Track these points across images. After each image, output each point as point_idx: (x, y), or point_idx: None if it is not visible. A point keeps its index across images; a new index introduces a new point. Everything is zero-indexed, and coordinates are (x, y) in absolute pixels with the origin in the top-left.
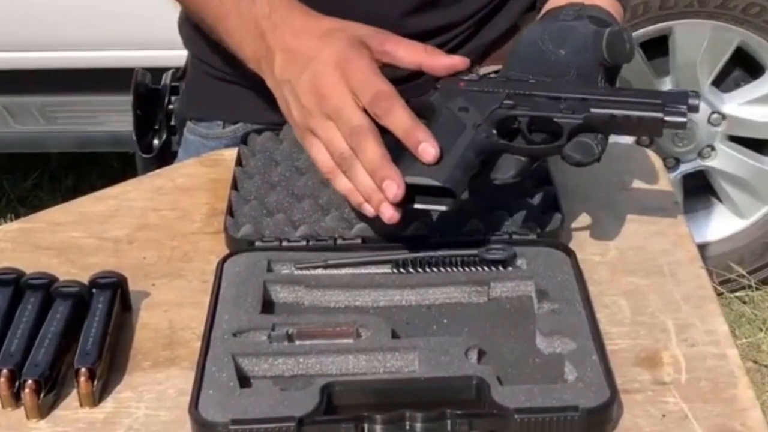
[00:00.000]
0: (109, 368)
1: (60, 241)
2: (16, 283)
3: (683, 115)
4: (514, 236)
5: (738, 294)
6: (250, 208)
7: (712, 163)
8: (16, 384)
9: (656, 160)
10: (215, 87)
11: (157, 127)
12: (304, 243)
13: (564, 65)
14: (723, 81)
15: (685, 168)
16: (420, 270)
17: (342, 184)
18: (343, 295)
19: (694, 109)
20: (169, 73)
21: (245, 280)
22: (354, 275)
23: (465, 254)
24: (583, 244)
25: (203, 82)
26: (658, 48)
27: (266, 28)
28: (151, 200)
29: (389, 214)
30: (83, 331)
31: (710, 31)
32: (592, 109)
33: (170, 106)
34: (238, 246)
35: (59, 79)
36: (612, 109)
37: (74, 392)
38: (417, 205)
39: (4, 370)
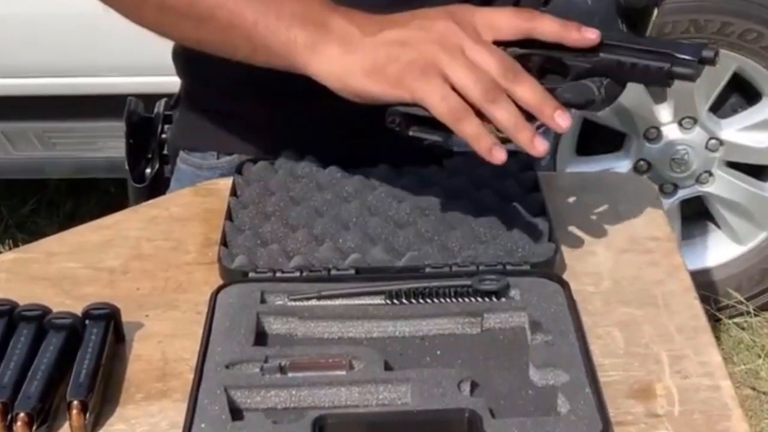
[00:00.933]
0: (102, 400)
1: (55, 271)
2: (10, 315)
3: (692, 66)
4: (508, 267)
5: (736, 320)
6: (245, 238)
7: (710, 188)
8: (8, 417)
9: (651, 190)
10: (209, 118)
11: (149, 156)
12: (297, 274)
13: (588, 13)
14: (720, 107)
15: (683, 194)
16: (413, 301)
17: (470, 128)
18: (336, 327)
19: (708, 61)
20: (162, 101)
21: (238, 312)
22: (347, 306)
23: (458, 285)
24: (577, 274)
25: (196, 113)
26: None
27: (325, 11)
28: (145, 230)
29: (544, 148)
30: (76, 363)
31: None
32: (601, 54)
33: (163, 135)
34: (231, 277)
35: (58, 105)
36: (620, 56)
37: (66, 425)
38: (412, 133)
39: None
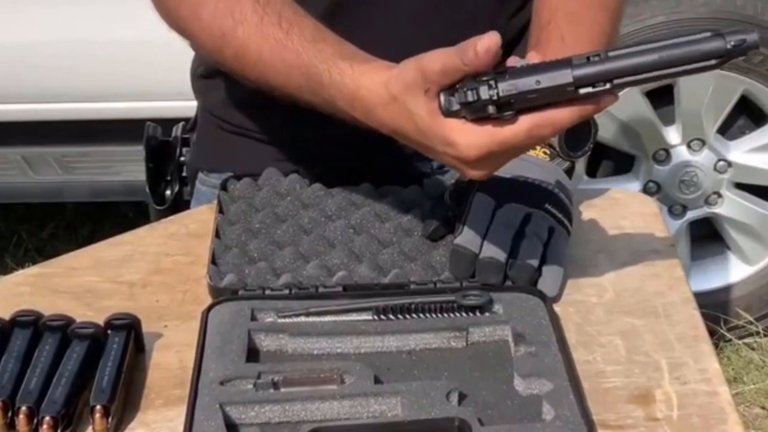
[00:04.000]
0: (123, 406)
1: (77, 284)
2: (35, 325)
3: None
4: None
5: (746, 340)
6: (233, 256)
7: (719, 210)
8: (35, 421)
9: (653, 205)
10: (225, 139)
11: (169, 178)
12: (286, 292)
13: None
14: (728, 129)
15: (692, 215)
16: (400, 316)
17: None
18: (325, 343)
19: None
20: (179, 125)
21: (230, 329)
22: (336, 323)
23: (443, 300)
24: (581, 285)
25: (214, 134)
26: (663, 97)
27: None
28: (164, 245)
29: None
30: (98, 370)
31: (715, 79)
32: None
33: (181, 158)
34: (221, 295)
35: (77, 130)
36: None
37: (90, 429)
38: None
39: (24, 407)
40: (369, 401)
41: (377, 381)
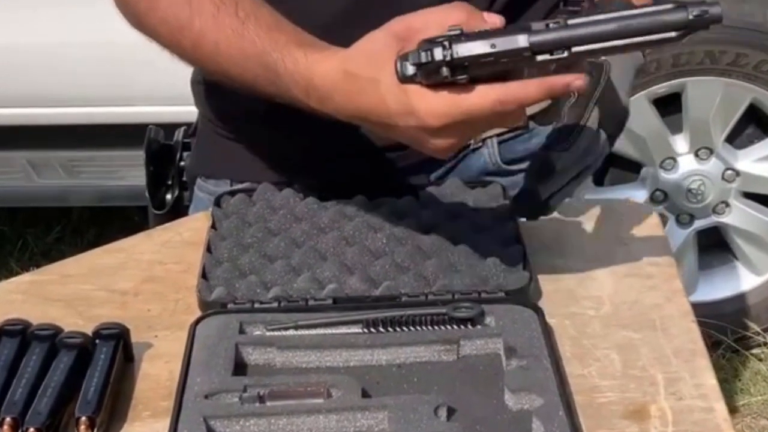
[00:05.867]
0: (110, 417)
1: (70, 292)
2: (23, 334)
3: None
4: (483, 295)
5: (754, 351)
6: (223, 270)
7: (727, 219)
8: None
9: (653, 216)
10: (223, 146)
11: (169, 183)
12: (275, 305)
13: None
14: (736, 138)
15: (699, 224)
16: (390, 329)
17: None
18: (314, 356)
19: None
20: (181, 129)
21: (217, 343)
22: (325, 336)
23: (434, 313)
24: (578, 298)
25: (212, 141)
26: (671, 105)
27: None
28: (158, 253)
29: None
30: (85, 380)
31: (723, 88)
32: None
33: (182, 163)
34: (210, 308)
35: (82, 134)
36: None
37: None
38: None
39: (8, 419)
40: (356, 415)
41: (365, 395)
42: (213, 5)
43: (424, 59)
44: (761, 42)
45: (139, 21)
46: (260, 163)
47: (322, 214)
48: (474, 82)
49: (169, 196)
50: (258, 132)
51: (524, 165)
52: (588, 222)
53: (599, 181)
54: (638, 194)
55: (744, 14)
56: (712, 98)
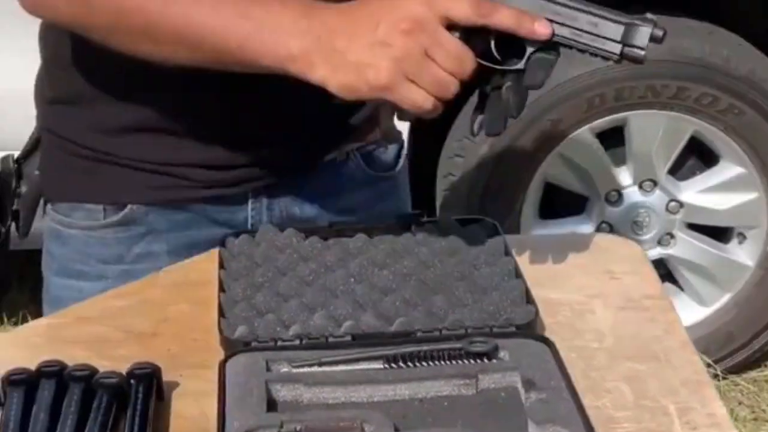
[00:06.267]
0: None
1: (88, 335)
2: (60, 376)
3: (641, 51)
4: (495, 329)
5: None
6: (241, 309)
7: (672, 251)
8: None
9: (638, 250)
10: (87, 167)
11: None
12: (297, 342)
13: None
14: (679, 169)
15: None
16: (410, 364)
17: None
18: (340, 392)
19: (657, 40)
20: (7, 156)
21: (247, 380)
22: (348, 372)
23: (450, 348)
24: (579, 331)
25: (69, 163)
26: (614, 138)
27: (311, 17)
28: (169, 294)
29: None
30: (126, 421)
31: (665, 120)
32: (555, 37)
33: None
34: (234, 346)
35: None
36: (573, 41)
37: None
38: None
39: None
40: None
41: (396, 430)
42: None
43: None
44: (701, 75)
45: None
46: (135, 180)
47: (326, 253)
48: None
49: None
50: (133, 148)
51: (390, 172)
52: (575, 256)
53: (545, 215)
54: (584, 227)
55: (684, 49)
56: (655, 131)
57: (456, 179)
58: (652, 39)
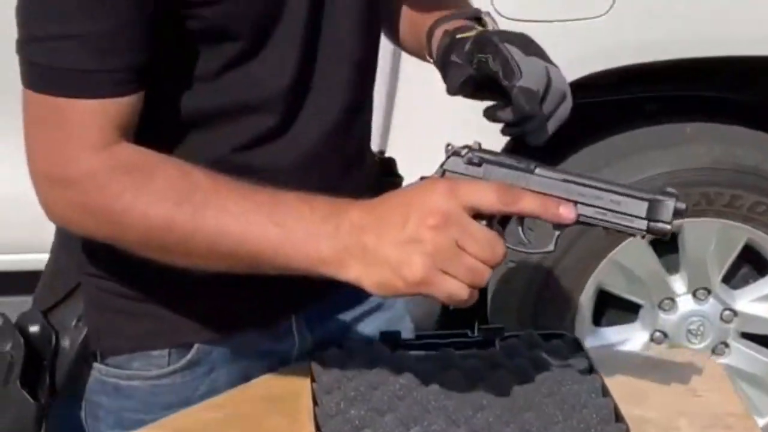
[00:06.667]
0: None
1: None
2: None
3: (666, 226)
4: None
5: None
6: (337, 423)
7: (727, 360)
8: None
9: (718, 367)
10: (153, 310)
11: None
12: None
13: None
14: (732, 278)
15: None
16: None
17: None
18: None
19: (681, 214)
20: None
21: None
22: None
23: None
24: None
25: (129, 309)
26: (668, 244)
27: (340, 216)
28: (259, 407)
29: (571, 213)
30: None
31: (718, 228)
32: (580, 218)
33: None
34: None
35: None
36: (597, 221)
37: None
38: None
39: None
40: None
41: None
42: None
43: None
44: (755, 184)
45: (113, 219)
46: (202, 315)
47: (415, 367)
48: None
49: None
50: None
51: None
52: (655, 374)
53: (598, 322)
54: (638, 335)
55: (738, 158)
56: (709, 239)
57: (508, 286)
58: (676, 213)
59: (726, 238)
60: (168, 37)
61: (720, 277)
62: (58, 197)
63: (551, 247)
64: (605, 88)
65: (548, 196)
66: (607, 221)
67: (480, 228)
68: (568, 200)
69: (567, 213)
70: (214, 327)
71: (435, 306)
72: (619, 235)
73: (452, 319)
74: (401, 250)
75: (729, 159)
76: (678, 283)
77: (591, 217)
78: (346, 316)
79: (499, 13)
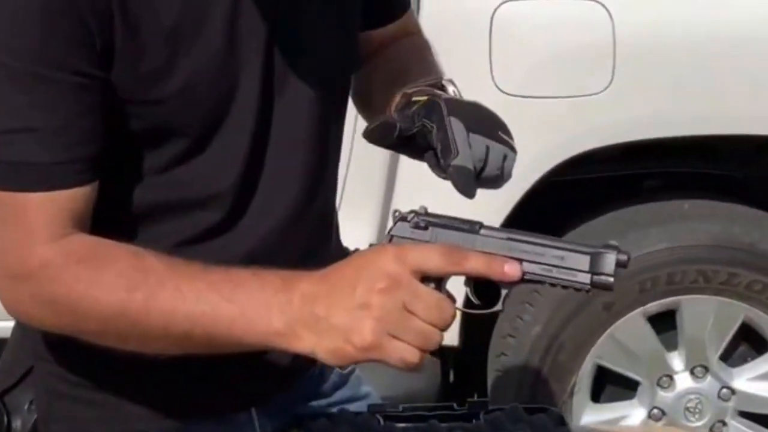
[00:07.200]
0: None
1: None
2: None
3: (611, 279)
4: None
5: None
6: None
7: None
8: None
9: None
10: (103, 399)
11: None
12: None
13: None
14: (731, 356)
15: None
16: None
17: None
18: None
19: (623, 265)
20: None
21: None
22: None
23: None
24: None
25: (73, 397)
26: (666, 322)
27: (290, 290)
28: None
29: (516, 270)
30: None
31: (716, 306)
32: (525, 276)
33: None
34: None
35: None
36: (543, 277)
37: None
38: None
39: None
40: None
41: None
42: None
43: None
44: (753, 262)
45: (69, 309)
46: (154, 404)
47: None
48: None
49: None
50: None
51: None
52: None
53: (597, 398)
54: (636, 412)
55: (735, 235)
56: (707, 316)
57: (508, 359)
58: (619, 264)
59: (723, 316)
60: (116, 130)
61: (718, 355)
62: (19, 292)
63: (499, 306)
64: (605, 163)
65: (494, 255)
66: (552, 277)
67: (428, 291)
68: (513, 258)
69: (512, 271)
70: (169, 415)
71: (435, 378)
72: (566, 291)
73: (453, 391)
74: (351, 317)
75: (727, 237)
76: (676, 361)
77: (536, 274)
78: (309, 400)
79: (500, 90)
